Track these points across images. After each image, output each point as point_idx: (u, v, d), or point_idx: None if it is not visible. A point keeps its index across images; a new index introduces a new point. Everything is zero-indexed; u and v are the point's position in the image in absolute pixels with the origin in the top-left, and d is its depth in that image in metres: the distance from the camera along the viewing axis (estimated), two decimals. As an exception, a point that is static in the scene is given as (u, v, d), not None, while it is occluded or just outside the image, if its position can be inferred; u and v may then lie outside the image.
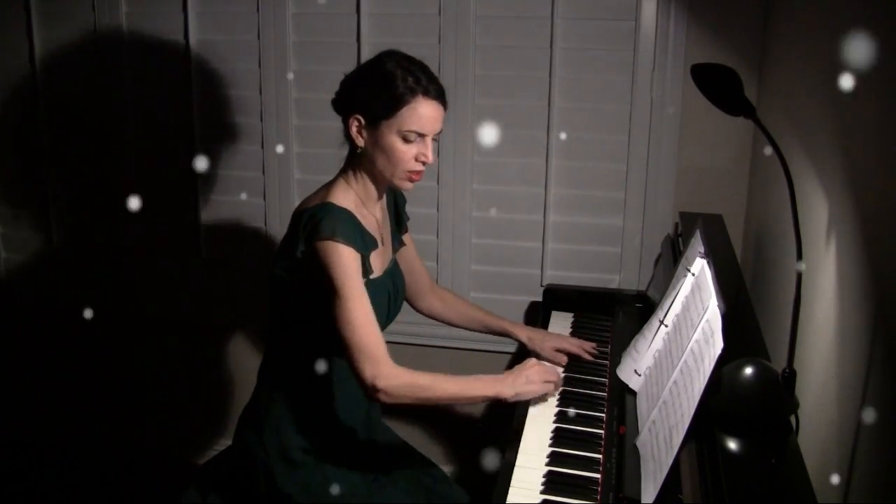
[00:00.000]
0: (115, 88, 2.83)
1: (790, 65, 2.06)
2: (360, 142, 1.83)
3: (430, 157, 1.83)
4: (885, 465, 1.20)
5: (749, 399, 1.38)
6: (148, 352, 3.05)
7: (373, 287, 1.83)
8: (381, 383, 1.69)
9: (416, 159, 1.82)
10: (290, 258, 1.80)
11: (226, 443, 1.94)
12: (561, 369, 2.07)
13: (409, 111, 1.78)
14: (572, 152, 2.59)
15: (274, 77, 2.71)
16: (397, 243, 2.06)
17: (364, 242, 1.81)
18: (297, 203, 2.74)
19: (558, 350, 2.13)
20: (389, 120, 1.79)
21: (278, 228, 2.81)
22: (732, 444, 1.34)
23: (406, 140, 1.80)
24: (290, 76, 2.69)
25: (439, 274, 2.71)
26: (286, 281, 1.84)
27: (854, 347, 1.37)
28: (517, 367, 1.88)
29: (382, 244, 1.94)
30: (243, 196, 2.83)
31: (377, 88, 1.79)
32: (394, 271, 2.00)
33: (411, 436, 2.47)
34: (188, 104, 2.78)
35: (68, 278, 3.02)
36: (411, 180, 1.85)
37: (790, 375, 1.39)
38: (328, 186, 1.90)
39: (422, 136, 1.81)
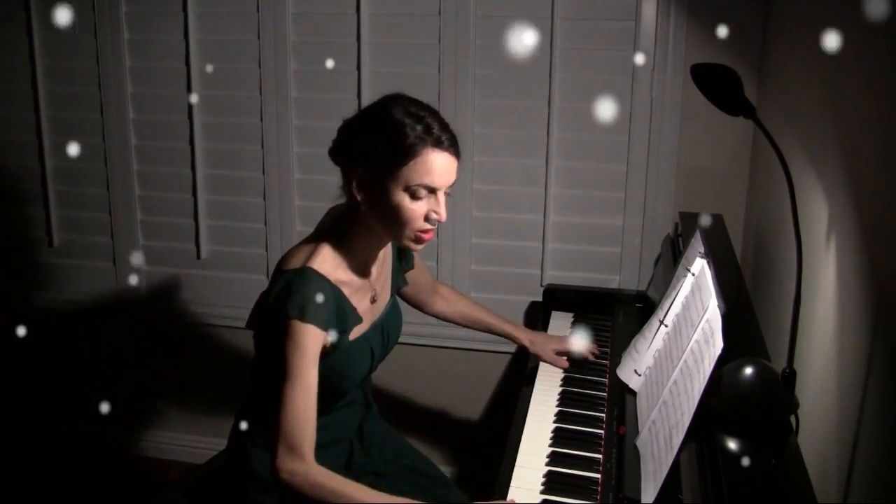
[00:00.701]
0: (115, 88, 2.83)
1: (790, 65, 2.06)
2: (360, 197, 1.63)
3: (443, 214, 1.63)
4: (885, 465, 1.20)
5: (749, 399, 1.38)
6: (147, 352, 3.05)
7: (351, 349, 1.72)
8: (284, 476, 1.57)
9: (427, 217, 1.62)
10: (260, 316, 1.70)
11: (224, 445, 1.93)
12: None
13: (418, 164, 1.58)
14: (572, 152, 2.59)
15: (274, 77, 2.71)
16: (401, 281, 1.93)
17: (338, 320, 1.66)
18: (296, 203, 2.78)
19: (560, 353, 2.12)
20: (396, 174, 1.59)
21: (278, 228, 2.80)
22: (732, 444, 1.33)
23: (415, 196, 1.60)
24: (291, 75, 2.70)
25: (439, 274, 2.71)
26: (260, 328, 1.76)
27: (854, 347, 1.37)
28: None
29: (374, 301, 1.79)
30: (243, 196, 2.83)
31: (382, 139, 1.60)
32: (385, 320, 1.84)
33: (410, 436, 2.46)
34: (188, 104, 2.78)
35: (68, 278, 3.02)
36: (420, 241, 1.65)
37: (790, 375, 1.39)
38: (317, 245, 1.69)
39: (433, 191, 1.61)
